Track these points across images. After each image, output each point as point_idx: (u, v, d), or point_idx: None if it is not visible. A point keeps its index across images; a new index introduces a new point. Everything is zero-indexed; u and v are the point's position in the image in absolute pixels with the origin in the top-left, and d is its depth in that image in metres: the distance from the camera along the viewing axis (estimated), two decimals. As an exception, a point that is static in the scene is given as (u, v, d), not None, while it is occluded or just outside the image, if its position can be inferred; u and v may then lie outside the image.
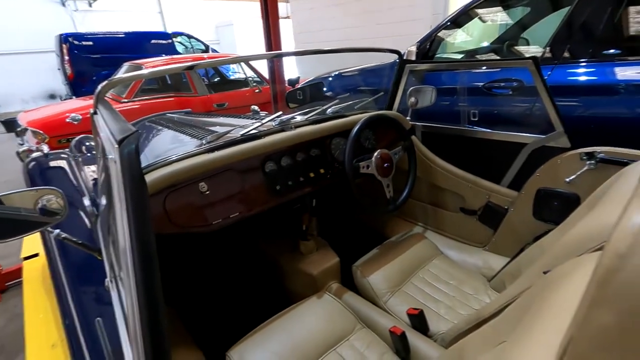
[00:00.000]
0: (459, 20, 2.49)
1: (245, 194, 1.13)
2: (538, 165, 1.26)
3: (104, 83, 0.78)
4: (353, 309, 1.18)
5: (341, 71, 3.43)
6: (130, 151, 0.40)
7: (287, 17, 9.83)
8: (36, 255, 2.12)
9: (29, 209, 0.79)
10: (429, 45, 2.56)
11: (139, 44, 7.80)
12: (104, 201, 0.83)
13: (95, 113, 0.78)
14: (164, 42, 8.13)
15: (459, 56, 2.79)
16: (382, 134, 1.51)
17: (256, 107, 2.86)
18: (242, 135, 1.15)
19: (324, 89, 3.32)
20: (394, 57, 1.69)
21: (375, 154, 1.32)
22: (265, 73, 4.74)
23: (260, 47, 9.98)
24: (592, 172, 1.10)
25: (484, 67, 2.01)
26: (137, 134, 0.43)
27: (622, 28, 1.73)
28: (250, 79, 4.78)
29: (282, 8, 9.87)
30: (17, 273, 2.16)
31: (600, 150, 1.10)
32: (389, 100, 1.59)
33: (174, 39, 8.32)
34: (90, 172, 1.91)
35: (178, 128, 1.56)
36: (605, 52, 1.72)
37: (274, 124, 1.27)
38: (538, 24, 2.52)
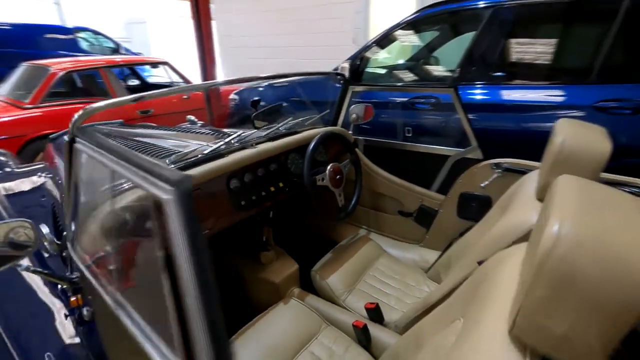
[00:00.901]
0: (382, 42, 2.80)
1: (212, 210, 1.17)
2: (459, 173, 1.53)
3: (81, 113, 0.76)
4: (317, 310, 1.29)
5: (273, 82, 3.53)
6: (188, 192, 0.46)
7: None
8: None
9: (-1, 242, 0.73)
10: (359, 62, 2.82)
11: (30, 38, 6.83)
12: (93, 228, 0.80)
13: (73, 141, 0.76)
14: (62, 37, 7.24)
15: (383, 71, 3.12)
16: (330, 148, 1.66)
17: (193, 117, 2.79)
18: (206, 154, 1.19)
19: (257, 97, 3.38)
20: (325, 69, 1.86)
21: (329, 167, 1.45)
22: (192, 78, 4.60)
23: (178, 48, 9.42)
24: (500, 178, 1.39)
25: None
26: (190, 178, 0.48)
27: (509, 57, 2.18)
28: (175, 83, 4.57)
29: (187, 6, 9.57)
30: None
31: (505, 161, 1.39)
32: (334, 117, 1.75)
33: (76, 35, 7.45)
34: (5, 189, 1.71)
35: (127, 145, 1.50)
36: (497, 75, 2.15)
37: (234, 142, 1.32)
38: (444, 46, 2.97)
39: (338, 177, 1.48)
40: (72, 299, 1.12)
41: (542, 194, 0.89)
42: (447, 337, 0.75)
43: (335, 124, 1.76)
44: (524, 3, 2.19)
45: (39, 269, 0.85)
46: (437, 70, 2.98)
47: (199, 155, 1.18)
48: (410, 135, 1.95)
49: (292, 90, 3.22)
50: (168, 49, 11.32)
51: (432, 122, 2.15)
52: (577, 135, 0.86)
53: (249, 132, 1.38)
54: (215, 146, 1.23)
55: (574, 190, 0.50)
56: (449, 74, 2.57)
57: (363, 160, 1.71)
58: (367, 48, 2.82)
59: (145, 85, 4.95)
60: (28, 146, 3.33)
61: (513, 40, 2.29)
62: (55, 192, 1.74)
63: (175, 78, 4.59)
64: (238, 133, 1.34)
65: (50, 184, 1.83)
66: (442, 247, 1.55)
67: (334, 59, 6.69)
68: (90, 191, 0.89)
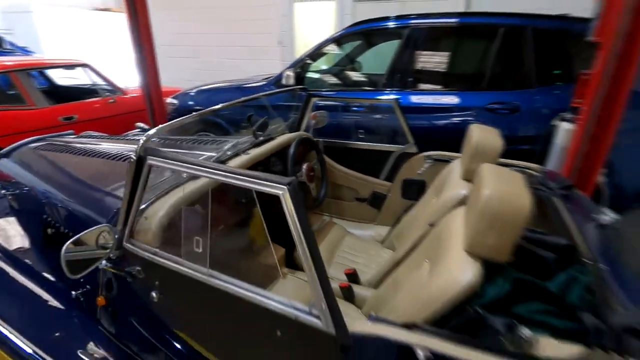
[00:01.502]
0: (316, 53, 3.21)
1: (220, 211, 1.40)
2: (401, 164, 1.99)
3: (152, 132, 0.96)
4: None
5: (219, 86, 3.66)
6: (297, 188, 0.74)
7: (108, 9, 8.77)
8: None
9: (91, 246, 0.89)
10: (300, 70, 3.16)
11: None
12: None
13: (143, 160, 0.95)
14: None
15: (317, 75, 3.51)
16: (300, 149, 1.97)
17: (142, 124, 2.81)
18: (213, 161, 1.41)
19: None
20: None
21: (304, 166, 1.77)
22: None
23: (74, 42, 8.43)
24: (432, 166, 1.88)
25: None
26: (295, 179, 0.76)
27: (421, 67, 2.76)
28: (98, 86, 4.30)
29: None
30: None
31: (434, 153, 1.88)
32: (298, 123, 2.07)
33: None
34: None
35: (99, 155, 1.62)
36: (413, 82, 2.75)
37: (226, 151, 1.55)
38: (370, 55, 3.51)
39: (311, 173, 1.81)
40: (99, 298, 1.27)
41: (466, 176, 1.35)
42: (420, 274, 1.15)
43: (298, 129, 2.08)
44: (435, 25, 2.79)
45: (117, 267, 1.00)
46: (368, 76, 3.50)
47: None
48: (362, 136, 2.37)
49: (234, 96, 3.41)
50: (60, 43, 10.05)
51: (375, 124, 2.64)
52: (483, 136, 1.34)
53: (238, 141, 1.62)
54: (217, 155, 1.45)
55: (492, 171, 0.93)
56: (377, 79, 3.08)
57: (326, 158, 2.07)
58: (304, 58, 3.18)
59: (61, 89, 4.55)
60: None
61: (423, 54, 2.88)
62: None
63: (98, 81, 4.33)
64: (232, 143, 1.57)
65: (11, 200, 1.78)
66: (392, 223, 1.99)
67: (258, 59, 6.88)
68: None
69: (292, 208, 0.76)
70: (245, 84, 3.49)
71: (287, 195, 0.76)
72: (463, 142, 1.46)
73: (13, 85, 3.57)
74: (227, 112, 3.11)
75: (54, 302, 1.41)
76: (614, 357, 0.67)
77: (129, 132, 2.81)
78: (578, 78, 2.08)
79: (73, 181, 1.58)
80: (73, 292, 1.38)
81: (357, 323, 0.78)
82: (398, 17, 2.95)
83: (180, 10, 7.02)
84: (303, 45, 6.42)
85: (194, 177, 1.24)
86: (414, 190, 1.95)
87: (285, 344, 0.85)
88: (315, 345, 0.80)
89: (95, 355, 1.27)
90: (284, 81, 3.06)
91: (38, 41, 10.07)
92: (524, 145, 2.50)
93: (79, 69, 4.30)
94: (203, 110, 1.31)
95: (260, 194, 0.81)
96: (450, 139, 1.80)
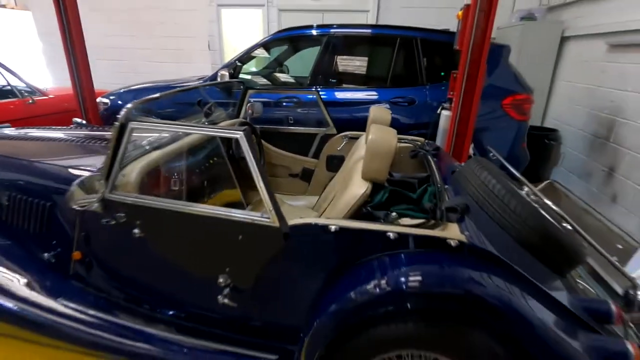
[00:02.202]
0: (246, 56, 3.59)
1: (188, 164, 1.72)
2: (325, 143, 2.46)
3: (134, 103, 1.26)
4: None
5: (150, 85, 3.81)
6: (250, 133, 1.12)
7: (3, 6, 8.02)
8: None
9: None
10: (233, 70, 3.50)
11: None
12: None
13: (125, 125, 1.25)
14: None
15: (249, 77, 3.89)
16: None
17: (79, 119, 2.90)
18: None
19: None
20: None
21: None
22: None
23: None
24: (347, 144, 2.38)
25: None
26: (249, 128, 1.13)
27: (339, 69, 3.30)
28: (15, 87, 4.10)
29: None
30: None
31: (348, 133, 2.39)
32: (237, 112, 2.42)
33: None
34: None
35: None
36: (333, 81, 3.27)
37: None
38: (291, 58, 4.00)
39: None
40: (75, 253, 1.51)
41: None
42: (338, 195, 1.61)
43: (238, 117, 2.43)
44: (349, 34, 3.36)
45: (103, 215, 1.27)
46: (294, 78, 3.97)
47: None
48: (292, 122, 2.81)
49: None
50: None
51: (301, 113, 3.10)
52: (378, 111, 1.87)
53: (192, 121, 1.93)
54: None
55: (376, 127, 1.42)
56: (302, 81, 3.55)
57: (262, 142, 2.46)
58: (236, 61, 3.54)
59: None
60: None
61: (341, 58, 3.43)
62: None
63: (14, 81, 4.13)
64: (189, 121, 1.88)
65: None
66: (320, 192, 2.45)
67: (188, 62, 6.96)
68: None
69: (247, 146, 1.15)
70: (177, 84, 3.71)
71: (244, 137, 1.14)
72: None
73: None
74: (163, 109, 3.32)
75: (25, 267, 1.58)
76: (440, 223, 1.19)
77: (62, 127, 2.87)
78: (450, 76, 2.77)
79: (31, 159, 1.73)
80: (45, 254, 1.57)
81: (292, 220, 1.20)
82: (319, 26, 3.46)
83: (107, 12, 6.79)
84: (232, 50, 6.69)
85: (159, 146, 1.55)
86: (336, 163, 2.43)
87: (245, 243, 1.22)
88: (266, 237, 1.20)
89: (72, 305, 1.49)
90: (219, 79, 3.37)
91: None
92: (421, 130, 3.17)
93: (-12, 68, 4.06)
94: (166, 92, 1.60)
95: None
96: (363, 124, 2.33)
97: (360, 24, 3.48)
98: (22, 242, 1.63)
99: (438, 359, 1.12)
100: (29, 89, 4.20)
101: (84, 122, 2.88)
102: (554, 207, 1.36)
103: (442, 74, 3.36)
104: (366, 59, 3.48)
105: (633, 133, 3.04)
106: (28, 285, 1.53)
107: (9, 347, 1.67)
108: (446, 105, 2.89)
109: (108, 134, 2.09)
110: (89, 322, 1.44)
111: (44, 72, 7.62)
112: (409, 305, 1.05)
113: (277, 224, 1.16)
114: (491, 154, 2.20)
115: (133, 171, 1.39)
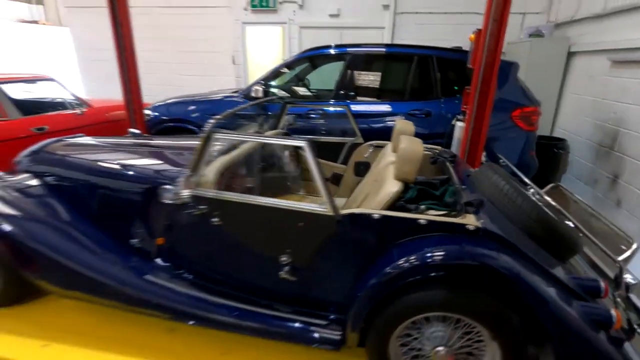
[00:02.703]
0: (274, 73, 3.97)
1: (255, 165, 2.06)
2: (352, 151, 2.79)
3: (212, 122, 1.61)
4: None
5: (189, 99, 4.21)
6: (312, 143, 1.46)
7: (36, 22, 8.65)
8: None
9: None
10: (264, 85, 3.88)
11: None
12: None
13: (209, 137, 1.60)
14: None
15: (277, 90, 4.27)
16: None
17: (134, 130, 3.28)
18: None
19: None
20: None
21: (287, 152, 2.48)
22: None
23: None
24: (373, 152, 2.70)
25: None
26: (312, 141, 1.47)
27: (360, 83, 3.66)
28: (66, 100, 4.55)
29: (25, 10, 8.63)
30: None
31: (374, 142, 2.71)
32: (276, 124, 2.78)
33: None
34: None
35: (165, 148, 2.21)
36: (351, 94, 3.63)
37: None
38: (312, 73, 4.37)
39: (292, 157, 2.53)
40: (158, 239, 1.85)
41: (394, 149, 2.17)
42: (373, 193, 1.93)
43: (276, 128, 2.79)
44: (367, 53, 3.72)
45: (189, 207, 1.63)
46: (317, 91, 4.34)
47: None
48: (324, 133, 3.16)
49: (207, 106, 4.00)
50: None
51: (335, 124, 3.47)
52: (403, 124, 2.19)
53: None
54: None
55: (405, 138, 1.74)
56: (326, 94, 3.91)
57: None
58: (267, 76, 3.92)
59: (36, 102, 4.73)
60: None
61: (363, 74, 3.79)
62: None
63: (65, 94, 4.59)
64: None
65: None
66: (348, 194, 2.77)
67: (213, 75, 7.41)
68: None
69: (310, 152, 1.48)
70: (214, 97, 4.11)
71: (307, 146, 1.48)
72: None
73: (-13, 97, 3.76)
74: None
75: (115, 251, 1.94)
76: (460, 214, 1.50)
77: (123, 136, 3.26)
78: (464, 91, 3.09)
79: (120, 163, 2.09)
80: (132, 241, 1.93)
81: (342, 210, 1.52)
82: (343, 46, 3.83)
83: (137, 29, 7.30)
84: (254, 64, 7.13)
85: (230, 150, 1.92)
86: (363, 169, 2.76)
87: (305, 229, 1.55)
88: (322, 224, 1.52)
89: (155, 280, 1.83)
90: (253, 94, 3.75)
91: None
92: (436, 139, 3.47)
93: (44, 82, 4.53)
94: (235, 109, 1.94)
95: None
96: (385, 134, 2.66)
97: (379, 43, 3.82)
98: (112, 232, 1.99)
99: (461, 319, 1.42)
100: (78, 102, 4.65)
101: (139, 131, 3.27)
102: (554, 204, 1.66)
103: (456, 87, 3.68)
104: (385, 74, 3.82)
105: (635, 142, 3.29)
106: (118, 264, 1.88)
107: (96, 314, 2.03)
108: (460, 117, 3.20)
109: (167, 142, 2.46)
110: (166, 294, 1.78)
111: (77, 84, 8.17)
112: (435, 275, 1.36)
113: (331, 213, 1.49)
114: (501, 160, 2.50)
115: (210, 172, 1.73)
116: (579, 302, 1.38)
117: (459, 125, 3.16)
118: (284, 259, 1.61)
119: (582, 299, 1.40)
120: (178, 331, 1.97)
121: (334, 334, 1.60)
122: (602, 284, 1.49)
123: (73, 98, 4.65)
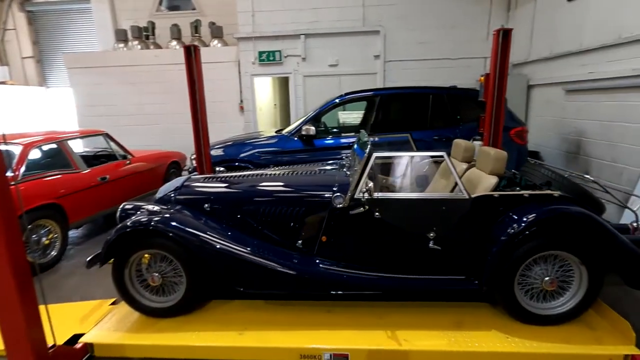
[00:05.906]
0: (320, 114, 4.80)
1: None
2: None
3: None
4: None
5: (242, 141, 4.85)
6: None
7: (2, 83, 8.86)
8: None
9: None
10: (313, 126, 4.66)
11: None
12: None
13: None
14: None
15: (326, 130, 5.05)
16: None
17: (221, 168, 3.84)
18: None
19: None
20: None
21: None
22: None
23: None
24: (430, 167, 3.54)
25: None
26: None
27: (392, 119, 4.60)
28: (116, 151, 4.92)
29: None
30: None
31: (432, 158, 3.56)
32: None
33: None
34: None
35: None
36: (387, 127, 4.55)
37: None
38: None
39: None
40: (322, 237, 2.48)
41: (464, 159, 3.01)
42: (479, 182, 2.73)
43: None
44: (393, 94, 4.70)
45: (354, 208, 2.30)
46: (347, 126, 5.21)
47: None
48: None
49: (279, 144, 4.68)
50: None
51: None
52: (464, 142, 3.08)
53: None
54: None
55: (485, 147, 2.60)
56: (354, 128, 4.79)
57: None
58: (311, 118, 4.73)
59: (95, 155, 5.04)
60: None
61: (391, 110, 4.74)
62: None
63: (114, 147, 4.97)
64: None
65: None
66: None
67: (217, 122, 8.03)
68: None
69: (447, 159, 2.27)
70: (258, 139, 4.85)
71: (445, 155, 2.27)
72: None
73: (62, 153, 4.09)
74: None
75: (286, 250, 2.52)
76: (543, 189, 2.35)
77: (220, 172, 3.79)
78: (479, 118, 4.12)
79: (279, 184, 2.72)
80: (297, 242, 2.52)
81: (473, 195, 2.30)
82: (376, 89, 4.79)
83: (140, 85, 7.81)
84: (258, 109, 7.91)
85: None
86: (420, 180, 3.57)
87: (447, 211, 2.29)
88: (460, 205, 2.28)
89: (319, 269, 2.44)
90: (304, 132, 4.51)
91: None
92: (455, 158, 4.43)
93: (99, 136, 4.89)
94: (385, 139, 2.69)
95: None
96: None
97: (402, 86, 4.85)
98: (278, 235, 2.57)
99: (558, 256, 2.22)
100: (124, 153, 5.04)
101: (223, 169, 3.83)
102: (580, 183, 2.60)
103: (458, 117, 4.74)
104: (408, 110, 4.82)
105: (594, 147, 4.51)
106: (295, 260, 2.46)
107: (268, 308, 2.55)
108: (477, 137, 4.20)
109: (279, 170, 3.11)
110: (333, 278, 2.39)
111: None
112: (536, 228, 2.17)
113: (467, 197, 2.26)
114: (532, 162, 3.48)
115: (370, 182, 2.44)
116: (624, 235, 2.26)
117: (478, 144, 4.15)
118: (431, 234, 2.32)
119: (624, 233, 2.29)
120: (334, 312, 2.53)
121: (473, 285, 2.31)
122: (630, 226, 2.40)
123: (121, 150, 5.03)
